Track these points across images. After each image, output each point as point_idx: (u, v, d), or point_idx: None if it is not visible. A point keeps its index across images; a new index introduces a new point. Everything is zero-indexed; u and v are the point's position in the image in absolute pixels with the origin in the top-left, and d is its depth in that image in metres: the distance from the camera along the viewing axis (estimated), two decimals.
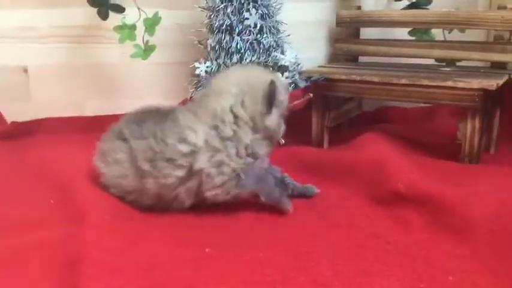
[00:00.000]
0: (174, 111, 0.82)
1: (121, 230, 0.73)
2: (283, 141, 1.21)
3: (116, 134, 0.85)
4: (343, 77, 1.10)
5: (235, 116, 0.78)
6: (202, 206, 0.81)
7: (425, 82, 1.00)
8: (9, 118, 1.31)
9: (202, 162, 0.77)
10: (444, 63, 1.18)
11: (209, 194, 0.78)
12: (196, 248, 0.70)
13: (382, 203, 0.84)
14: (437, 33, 1.21)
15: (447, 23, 1.14)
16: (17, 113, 1.31)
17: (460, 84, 0.97)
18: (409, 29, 1.23)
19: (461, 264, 0.66)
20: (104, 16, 1.14)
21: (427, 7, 1.21)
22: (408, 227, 0.76)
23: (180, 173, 0.77)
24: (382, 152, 0.96)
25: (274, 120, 0.81)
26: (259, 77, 0.81)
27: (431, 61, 1.22)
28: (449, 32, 1.18)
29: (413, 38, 1.23)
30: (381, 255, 0.68)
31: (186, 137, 0.77)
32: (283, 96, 0.82)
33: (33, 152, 1.17)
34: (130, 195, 0.82)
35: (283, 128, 0.85)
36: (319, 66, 1.24)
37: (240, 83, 0.80)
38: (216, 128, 0.78)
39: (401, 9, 1.22)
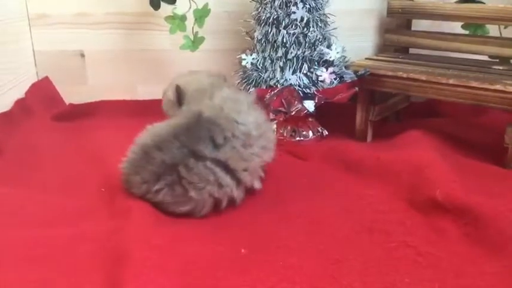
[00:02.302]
0: (198, 117, 0.85)
1: (163, 229, 0.77)
2: (326, 132, 1.22)
3: (191, 158, 0.81)
4: (389, 73, 1.09)
5: None
6: (239, 206, 0.86)
7: (474, 84, 0.98)
8: (67, 100, 1.39)
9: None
10: (497, 60, 1.14)
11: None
12: (233, 248, 0.73)
13: (419, 209, 0.84)
14: (492, 29, 1.16)
15: (504, 19, 1.09)
16: (75, 95, 1.39)
17: (510, 89, 0.93)
18: (462, 23, 1.18)
19: (493, 282, 0.66)
20: (156, 7, 1.18)
21: (483, 1, 1.16)
22: (443, 238, 0.76)
23: (257, 149, 0.86)
24: (424, 154, 0.95)
25: None
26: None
27: (482, 56, 1.18)
28: (505, 28, 1.13)
29: (466, 32, 1.19)
30: (412, 268, 0.69)
31: (240, 121, 0.85)
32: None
33: (88, 135, 1.24)
34: (223, 203, 0.84)
35: None
36: (366, 58, 1.22)
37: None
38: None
39: (456, 2, 1.18)
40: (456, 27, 1.21)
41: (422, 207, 0.84)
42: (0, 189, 0.94)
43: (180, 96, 0.96)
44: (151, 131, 0.87)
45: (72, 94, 1.39)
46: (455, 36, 1.18)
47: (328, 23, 1.14)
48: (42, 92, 1.36)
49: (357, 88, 1.13)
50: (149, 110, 1.33)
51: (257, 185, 0.89)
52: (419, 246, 0.74)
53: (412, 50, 1.30)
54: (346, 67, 1.13)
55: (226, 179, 0.83)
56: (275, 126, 1.21)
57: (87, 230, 0.79)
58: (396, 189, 0.91)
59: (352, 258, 0.71)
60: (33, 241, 0.75)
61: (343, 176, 1.00)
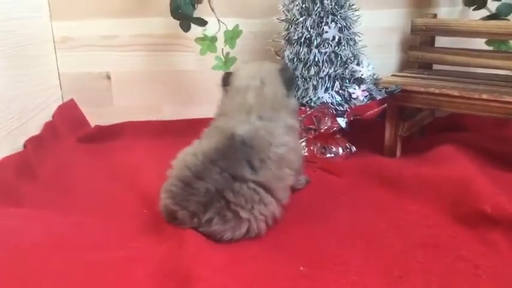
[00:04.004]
0: (231, 139, 0.84)
1: (218, 251, 0.77)
2: (354, 148, 1.24)
3: (235, 182, 0.81)
4: (421, 89, 1.10)
5: None
6: (287, 224, 0.87)
7: (508, 98, 1.00)
8: (93, 122, 1.40)
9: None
10: None
11: None
12: (291, 266, 0.74)
13: (466, 223, 0.85)
14: None
15: None
16: (100, 117, 1.39)
17: None
18: (486, 39, 1.21)
19: None
20: (186, 29, 1.19)
21: (507, 18, 1.19)
22: (496, 250, 0.77)
23: (288, 170, 0.89)
24: (465, 169, 0.97)
25: None
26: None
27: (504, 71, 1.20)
28: None
29: (489, 47, 1.21)
30: (472, 281, 0.70)
31: (274, 143, 0.86)
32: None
33: (116, 156, 1.24)
34: (268, 220, 0.85)
35: None
36: (393, 75, 1.24)
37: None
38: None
39: (480, 19, 1.20)
40: (477, 43, 1.23)
41: (469, 221, 0.85)
42: (41, 212, 0.94)
43: (226, 81, 0.99)
44: (183, 160, 0.86)
45: (97, 116, 1.39)
46: (480, 52, 1.20)
47: (357, 41, 1.16)
48: (68, 114, 1.36)
49: (385, 104, 1.15)
50: (175, 130, 1.35)
51: (285, 201, 0.88)
52: (475, 259, 0.75)
53: (435, 67, 1.32)
54: (375, 84, 1.15)
55: (268, 198, 0.84)
56: (305, 143, 1.22)
57: (140, 252, 0.79)
58: (439, 204, 0.92)
59: (412, 273, 0.72)
60: (88, 264, 0.75)
61: (381, 192, 1.01)
